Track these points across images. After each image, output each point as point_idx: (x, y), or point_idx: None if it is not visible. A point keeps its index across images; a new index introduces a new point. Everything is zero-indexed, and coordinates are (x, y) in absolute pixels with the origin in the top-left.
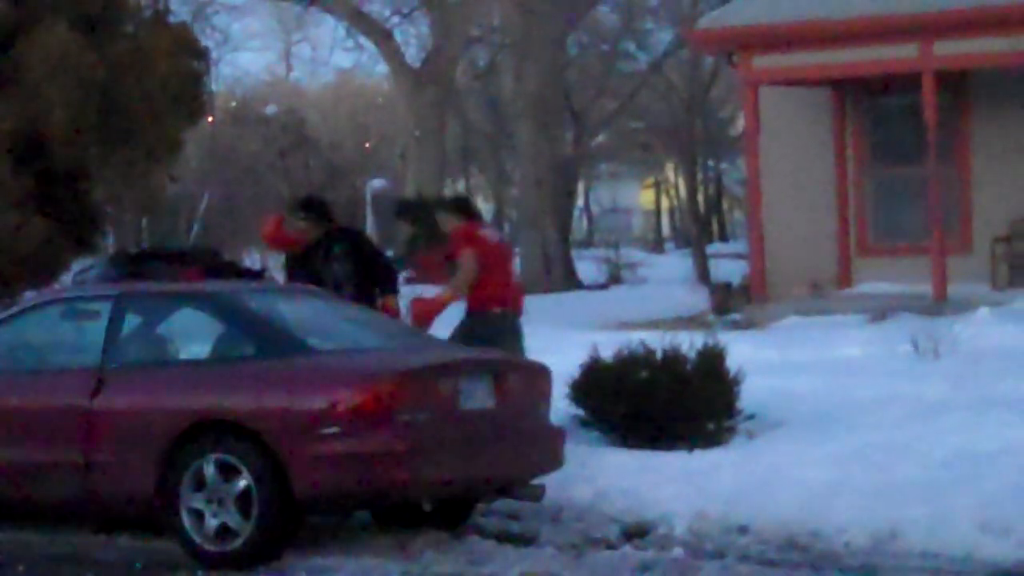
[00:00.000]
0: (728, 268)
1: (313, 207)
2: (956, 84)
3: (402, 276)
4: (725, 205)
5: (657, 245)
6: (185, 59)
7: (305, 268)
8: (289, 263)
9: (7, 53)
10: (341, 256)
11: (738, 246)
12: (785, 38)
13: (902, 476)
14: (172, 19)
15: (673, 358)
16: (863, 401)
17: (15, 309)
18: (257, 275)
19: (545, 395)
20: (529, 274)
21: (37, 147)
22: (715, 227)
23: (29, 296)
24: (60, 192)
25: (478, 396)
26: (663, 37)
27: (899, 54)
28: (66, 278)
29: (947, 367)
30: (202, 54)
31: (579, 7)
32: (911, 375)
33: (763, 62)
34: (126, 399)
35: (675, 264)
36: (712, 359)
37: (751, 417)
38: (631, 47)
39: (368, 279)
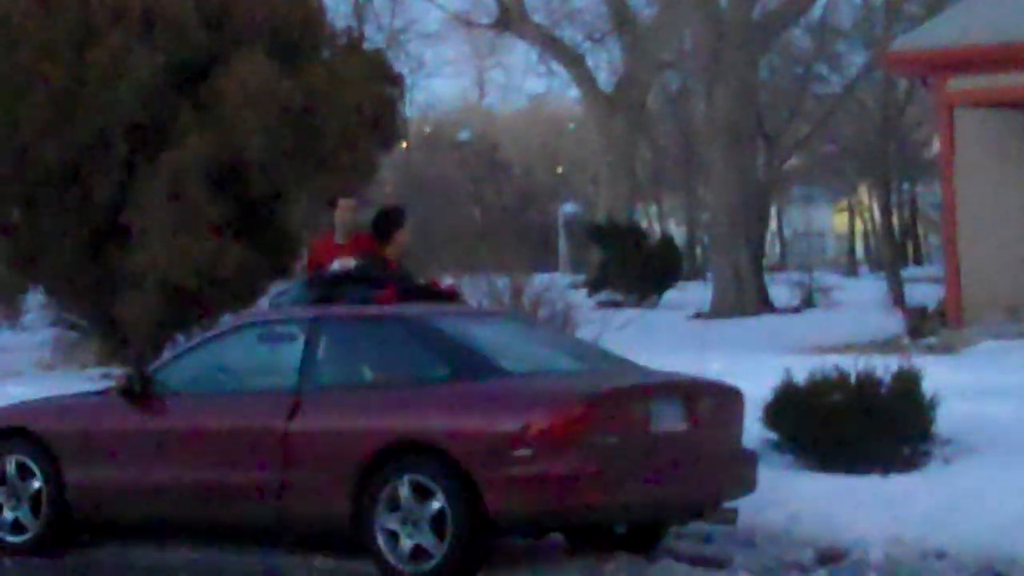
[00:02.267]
0: (923, 292)
1: None
2: None
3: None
4: (920, 228)
5: (851, 268)
6: (379, 85)
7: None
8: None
9: (205, 81)
10: None
11: (933, 269)
12: (981, 60)
13: None
14: (367, 46)
15: (867, 381)
16: None
17: (213, 332)
18: (451, 297)
19: (737, 418)
20: (722, 298)
21: (234, 173)
22: (910, 250)
23: (227, 319)
24: (257, 217)
25: (670, 419)
26: (856, 59)
27: None
28: (263, 302)
29: None
30: (396, 80)
31: (771, 30)
32: None
33: (958, 84)
34: (322, 421)
35: (869, 288)
36: (907, 383)
37: (947, 442)
38: (824, 70)
39: None
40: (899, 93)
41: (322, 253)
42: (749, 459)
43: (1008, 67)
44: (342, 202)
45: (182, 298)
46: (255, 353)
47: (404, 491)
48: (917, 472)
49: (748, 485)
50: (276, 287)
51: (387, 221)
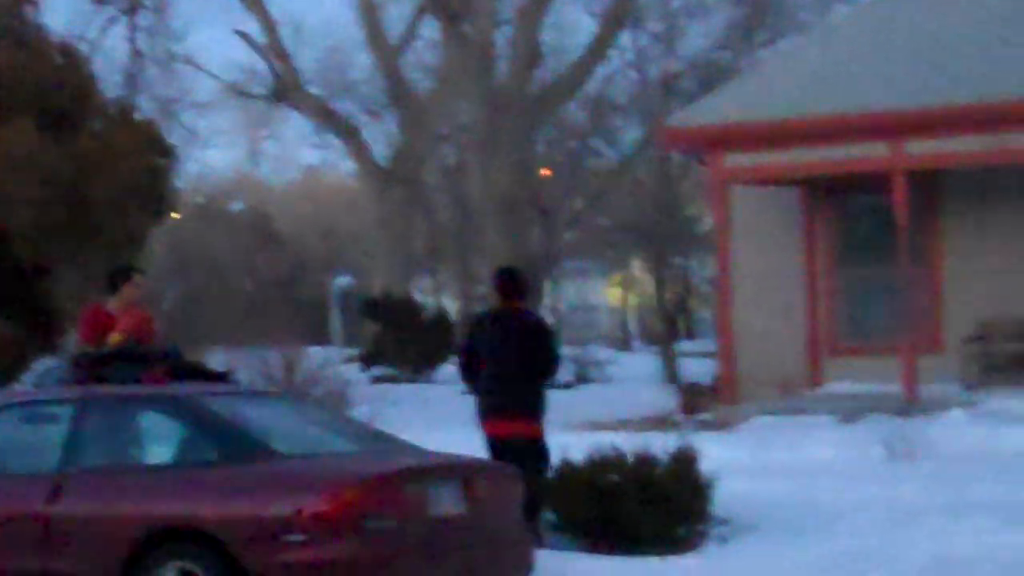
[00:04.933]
0: (696, 367)
1: None
2: (927, 183)
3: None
4: (692, 303)
5: (624, 343)
6: (151, 156)
7: None
8: None
9: None
10: None
11: (705, 344)
12: (755, 137)
13: None
14: (138, 116)
15: (643, 462)
16: (837, 505)
17: None
18: (221, 377)
19: (516, 500)
20: None
21: (0, 245)
22: (682, 325)
23: None
24: (22, 291)
25: (447, 501)
26: (632, 134)
27: (870, 153)
28: (28, 379)
29: (921, 470)
30: (168, 151)
31: (548, 104)
32: (885, 478)
33: (733, 161)
34: (84, 505)
35: (642, 362)
36: (683, 463)
37: (724, 522)
38: (600, 144)
39: None
40: (673, 168)
41: (96, 324)
42: (526, 541)
43: (783, 144)
44: (137, 277)
45: None
46: (17, 434)
47: None
48: (693, 553)
49: (524, 568)
50: (41, 364)
51: (116, 275)
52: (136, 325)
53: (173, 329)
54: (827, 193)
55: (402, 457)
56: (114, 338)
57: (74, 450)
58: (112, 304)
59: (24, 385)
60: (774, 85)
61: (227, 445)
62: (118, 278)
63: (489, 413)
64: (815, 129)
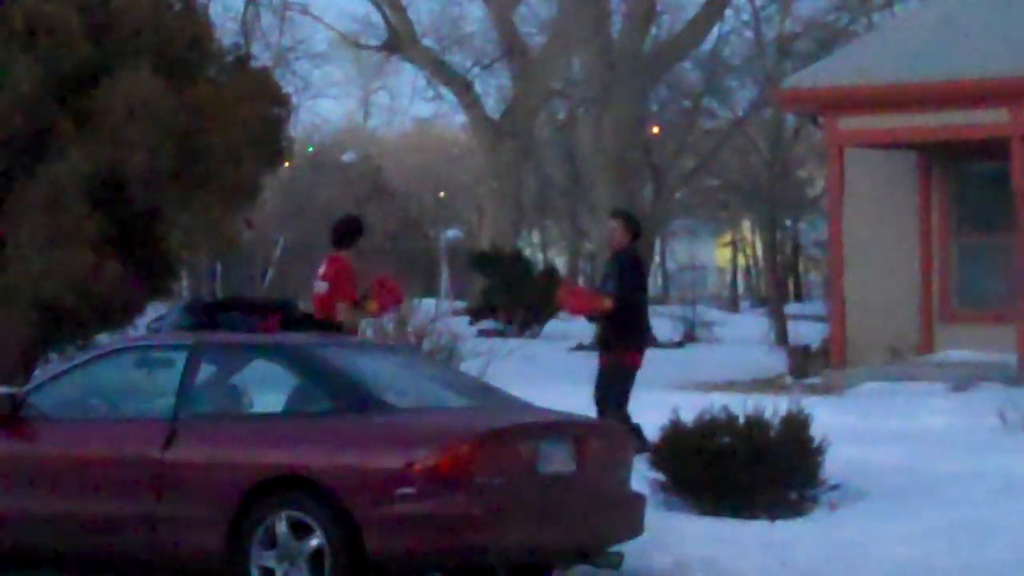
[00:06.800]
0: (804, 330)
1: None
2: None
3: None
4: (801, 266)
5: (732, 303)
6: (266, 104)
7: None
8: None
9: (88, 95)
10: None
11: (814, 307)
12: (872, 100)
13: (991, 556)
14: (254, 64)
15: (756, 424)
16: (949, 474)
17: (89, 355)
18: (335, 328)
19: (626, 460)
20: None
21: (115, 189)
22: (791, 287)
23: (103, 341)
24: (136, 235)
25: (558, 460)
26: (745, 95)
27: (988, 119)
28: (141, 325)
29: None
30: (283, 100)
31: (662, 63)
32: (998, 448)
33: (849, 124)
34: (198, 452)
35: (750, 323)
36: (796, 427)
37: (834, 488)
38: (713, 104)
39: None
40: (786, 130)
41: (352, 276)
42: (637, 502)
43: (899, 108)
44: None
45: (56, 316)
46: (132, 378)
47: (281, 527)
48: (804, 518)
49: (635, 529)
50: (154, 310)
51: (346, 228)
52: (393, 301)
53: (284, 278)
54: (943, 158)
55: (514, 413)
56: (370, 306)
57: (188, 396)
58: (347, 255)
59: (138, 330)
60: (891, 48)
61: (340, 396)
62: (350, 230)
63: (643, 344)
64: (931, 94)
